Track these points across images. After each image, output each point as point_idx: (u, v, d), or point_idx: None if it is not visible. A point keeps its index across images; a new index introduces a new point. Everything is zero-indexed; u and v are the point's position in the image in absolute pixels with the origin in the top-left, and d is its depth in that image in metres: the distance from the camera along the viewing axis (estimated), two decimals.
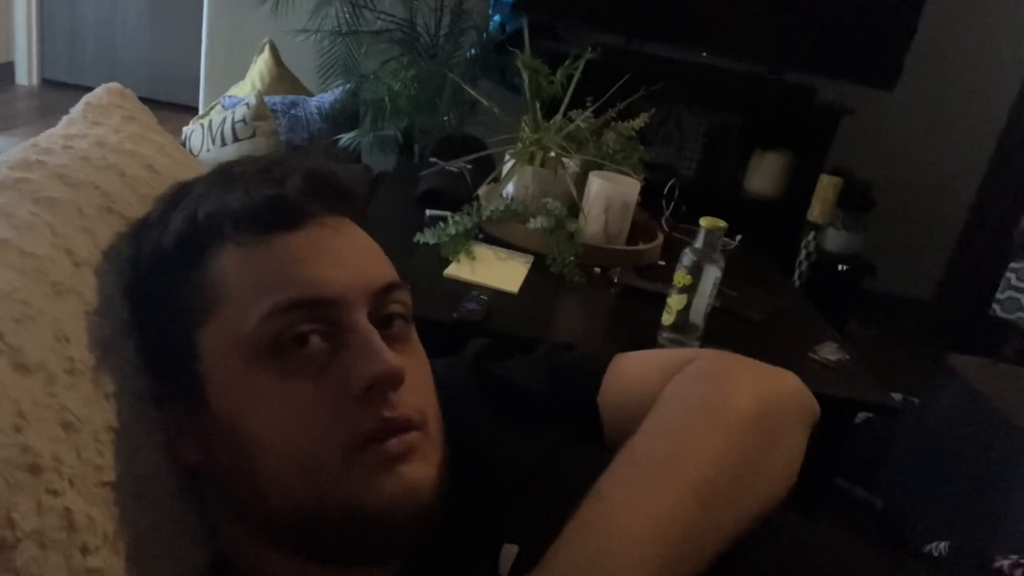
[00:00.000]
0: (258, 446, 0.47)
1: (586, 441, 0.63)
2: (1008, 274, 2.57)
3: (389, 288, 0.52)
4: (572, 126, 1.58)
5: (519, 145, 1.59)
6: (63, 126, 0.63)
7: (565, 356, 0.70)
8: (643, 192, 1.59)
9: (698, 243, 1.19)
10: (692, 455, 0.51)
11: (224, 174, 0.54)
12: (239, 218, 0.49)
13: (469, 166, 1.65)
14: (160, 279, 0.51)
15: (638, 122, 1.62)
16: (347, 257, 0.51)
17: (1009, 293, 2.56)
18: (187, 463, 0.51)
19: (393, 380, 0.47)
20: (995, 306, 2.59)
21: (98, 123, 0.63)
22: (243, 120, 2.29)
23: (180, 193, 0.54)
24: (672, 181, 1.77)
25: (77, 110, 0.65)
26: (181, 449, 0.51)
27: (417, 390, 0.51)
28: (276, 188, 0.51)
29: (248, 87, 2.64)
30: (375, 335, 0.48)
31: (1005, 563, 0.79)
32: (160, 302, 0.51)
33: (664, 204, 1.75)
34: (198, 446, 0.50)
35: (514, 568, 0.52)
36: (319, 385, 0.47)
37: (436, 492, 0.49)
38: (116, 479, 0.47)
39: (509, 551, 0.53)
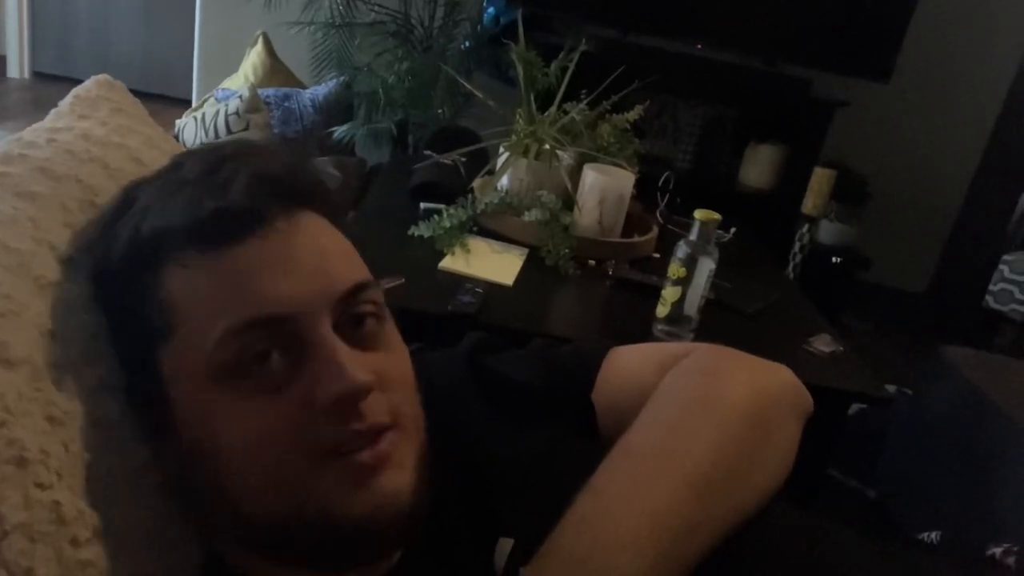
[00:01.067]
0: (224, 464, 0.46)
1: (581, 435, 0.64)
2: (1001, 266, 2.58)
3: (356, 290, 0.49)
4: (567, 118, 1.58)
5: (513, 138, 1.58)
6: (50, 119, 0.62)
7: (561, 350, 0.70)
8: (638, 184, 1.58)
9: (692, 235, 1.19)
10: (688, 449, 0.51)
11: (170, 176, 0.51)
12: (181, 236, 0.47)
13: (463, 159, 1.65)
14: (116, 293, 0.50)
15: (632, 114, 1.62)
16: (304, 264, 0.48)
17: (1002, 285, 2.57)
18: (167, 473, 0.51)
19: (357, 397, 0.46)
20: (988, 298, 2.60)
21: (85, 116, 0.62)
22: (236, 113, 2.28)
23: (126, 201, 0.52)
24: (667, 174, 1.77)
25: (65, 103, 0.65)
26: (159, 460, 0.50)
27: (392, 387, 0.49)
28: (219, 197, 0.47)
29: (241, 80, 2.63)
30: (339, 349, 0.46)
31: (997, 551, 0.80)
32: (121, 315, 0.50)
33: (659, 196, 1.75)
34: (167, 461, 0.50)
35: (509, 561, 0.52)
36: (282, 400, 0.45)
37: (417, 493, 0.49)
38: (105, 472, 0.47)
39: (505, 544, 0.53)
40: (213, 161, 0.50)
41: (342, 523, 0.46)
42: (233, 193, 0.47)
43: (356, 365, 0.46)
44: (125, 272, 0.49)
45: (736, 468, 0.52)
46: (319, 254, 0.49)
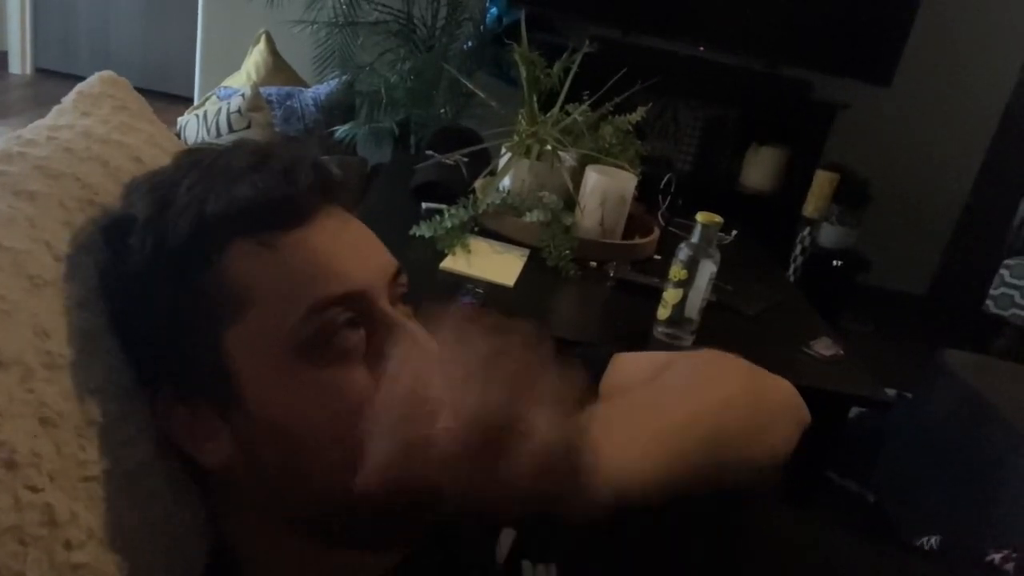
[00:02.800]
0: (307, 441, 0.47)
1: None
2: (1002, 270, 2.58)
3: (398, 273, 0.53)
4: (569, 119, 1.57)
5: (515, 138, 1.58)
6: (52, 116, 0.61)
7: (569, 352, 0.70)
8: (639, 186, 1.58)
9: (694, 238, 1.19)
10: (702, 392, 0.55)
11: (216, 166, 0.51)
12: (252, 217, 0.48)
13: (465, 159, 1.65)
14: (164, 284, 0.49)
15: (635, 116, 1.61)
16: (363, 247, 0.52)
17: (1002, 289, 2.57)
18: (209, 462, 0.50)
19: None
20: (988, 302, 2.60)
21: (87, 113, 0.62)
22: (238, 111, 2.28)
23: (165, 188, 0.51)
24: (668, 175, 1.77)
25: (68, 100, 0.64)
26: (203, 449, 0.50)
27: None
28: (286, 182, 0.50)
29: (243, 78, 2.63)
30: (409, 321, 0.50)
31: (997, 556, 0.80)
32: (169, 306, 0.49)
33: (660, 198, 1.75)
34: (230, 445, 0.49)
35: (511, 552, 0.52)
36: (363, 374, 0.48)
37: None
38: (101, 474, 0.46)
39: (507, 536, 0.53)
40: (259, 153, 0.52)
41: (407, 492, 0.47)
42: (300, 181, 0.50)
43: (427, 335, 0.49)
44: (186, 255, 0.49)
45: (742, 426, 0.55)
46: (368, 240, 0.53)
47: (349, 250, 0.50)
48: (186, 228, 0.48)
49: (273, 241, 0.48)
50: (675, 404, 0.53)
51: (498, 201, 1.51)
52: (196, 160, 0.53)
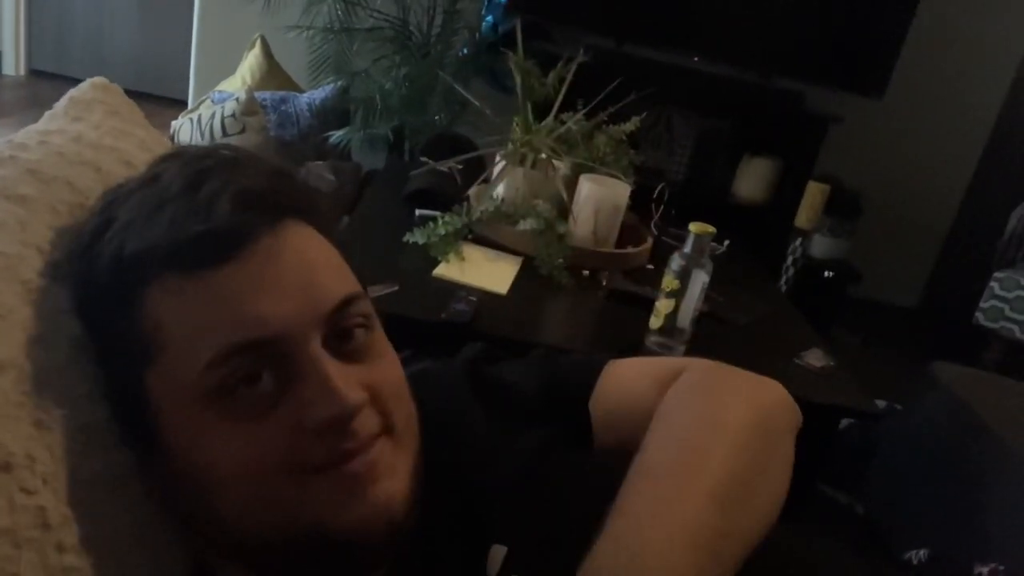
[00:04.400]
0: (216, 484, 0.46)
1: (576, 444, 0.64)
2: (992, 283, 2.59)
3: (344, 304, 0.48)
4: (563, 128, 1.58)
5: (510, 146, 1.58)
6: (44, 122, 0.62)
7: (560, 360, 0.70)
8: (632, 195, 1.59)
9: (687, 248, 1.20)
10: (703, 464, 0.52)
11: (150, 190, 0.49)
12: (164, 260, 0.46)
13: (459, 166, 1.65)
14: (99, 313, 0.49)
15: (629, 126, 1.62)
16: (291, 281, 0.47)
17: (992, 302, 2.58)
18: (144, 482, 0.50)
19: (350, 420, 0.46)
20: (978, 314, 2.61)
21: (79, 118, 0.62)
22: (232, 115, 2.28)
23: (108, 214, 0.50)
24: (661, 185, 1.78)
25: (60, 105, 0.64)
26: (148, 478, 0.50)
27: (383, 396, 0.49)
28: (203, 219, 0.46)
29: (238, 82, 2.63)
30: (329, 370, 0.46)
31: (984, 570, 0.80)
32: (105, 335, 0.49)
33: (653, 208, 1.76)
34: (155, 478, 0.49)
35: (503, 569, 0.52)
36: (274, 421, 0.45)
37: (411, 503, 0.49)
38: (92, 477, 0.46)
39: (497, 552, 0.53)
40: (194, 176, 0.48)
41: (336, 535, 0.46)
42: (217, 214, 0.46)
43: (348, 384, 0.46)
44: (108, 293, 0.48)
45: (750, 479, 0.53)
46: (306, 269, 0.48)
47: (270, 289, 0.46)
48: (106, 268, 0.48)
49: (185, 284, 0.45)
50: (691, 483, 0.50)
51: (492, 209, 1.51)
52: (154, 175, 0.50)
